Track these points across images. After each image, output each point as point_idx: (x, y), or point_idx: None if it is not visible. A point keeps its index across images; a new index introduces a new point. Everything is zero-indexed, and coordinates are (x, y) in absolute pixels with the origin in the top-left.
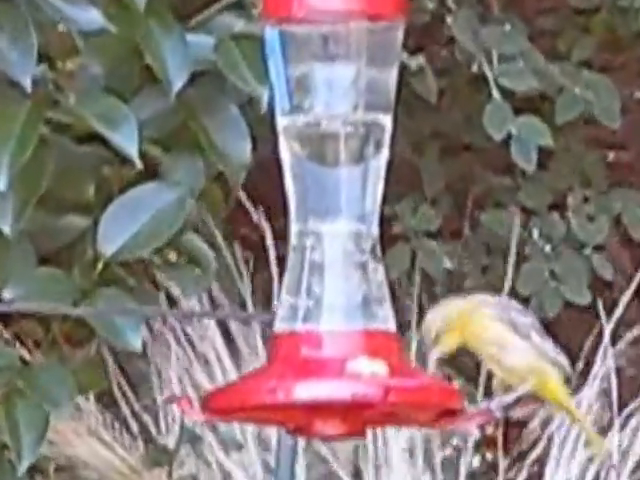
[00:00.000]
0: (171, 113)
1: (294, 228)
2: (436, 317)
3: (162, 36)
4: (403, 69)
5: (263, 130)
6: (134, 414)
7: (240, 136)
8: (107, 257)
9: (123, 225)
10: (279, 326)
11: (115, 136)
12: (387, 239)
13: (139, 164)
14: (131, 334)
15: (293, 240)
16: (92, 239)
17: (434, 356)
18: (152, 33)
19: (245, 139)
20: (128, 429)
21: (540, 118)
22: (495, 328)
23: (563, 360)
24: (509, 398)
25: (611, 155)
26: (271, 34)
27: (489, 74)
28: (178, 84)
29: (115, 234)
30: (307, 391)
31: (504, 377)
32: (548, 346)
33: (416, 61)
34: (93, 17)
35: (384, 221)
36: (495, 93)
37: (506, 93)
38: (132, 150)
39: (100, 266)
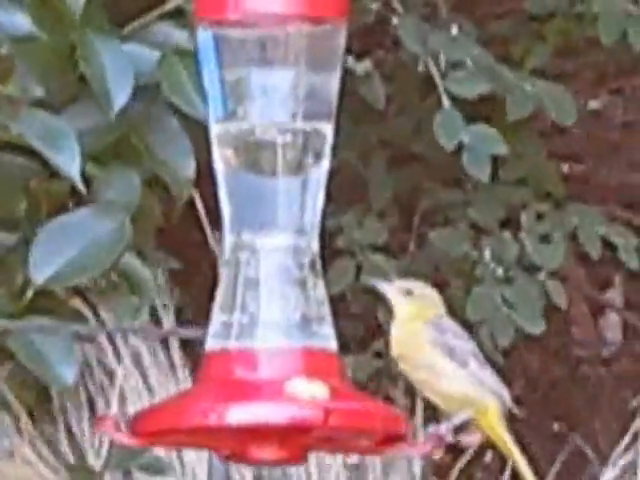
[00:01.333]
0: (109, 126)
1: (228, 241)
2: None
3: (100, 46)
4: (346, 73)
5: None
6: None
7: (184, 149)
8: (38, 285)
9: (58, 251)
10: (210, 344)
11: (56, 157)
12: (330, 253)
13: (82, 187)
14: (62, 366)
15: (227, 253)
16: (21, 258)
17: None
18: (89, 42)
19: (189, 152)
20: (54, 448)
21: (492, 125)
22: (428, 352)
23: (503, 390)
24: (458, 421)
25: (565, 167)
26: (204, 36)
27: (438, 81)
28: (120, 100)
29: (48, 261)
30: (241, 414)
31: (439, 403)
32: (487, 375)
33: (362, 66)
34: (20, 22)
35: (327, 234)
36: (445, 101)
37: (456, 100)
38: (73, 170)
39: (30, 294)
